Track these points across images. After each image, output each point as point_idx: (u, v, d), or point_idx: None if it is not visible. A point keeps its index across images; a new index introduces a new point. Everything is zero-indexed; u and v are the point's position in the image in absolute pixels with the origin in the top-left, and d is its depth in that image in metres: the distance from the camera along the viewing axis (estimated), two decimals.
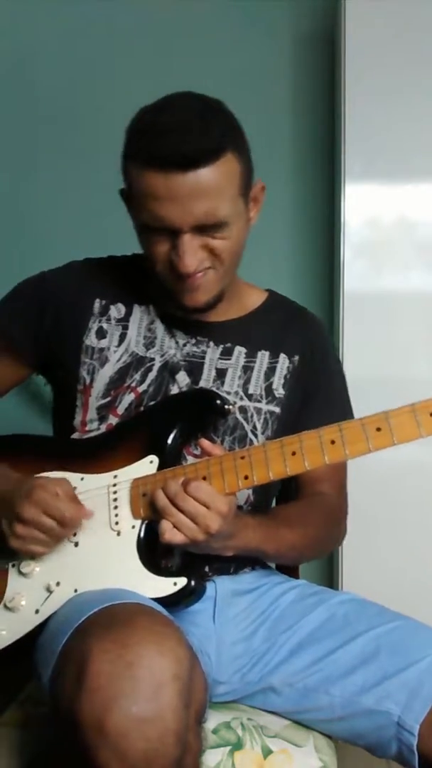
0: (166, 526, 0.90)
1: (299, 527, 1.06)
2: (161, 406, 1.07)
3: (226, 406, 1.02)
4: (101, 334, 1.09)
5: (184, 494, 0.90)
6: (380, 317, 1.83)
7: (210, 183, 0.93)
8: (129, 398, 1.07)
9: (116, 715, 0.68)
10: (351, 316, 1.83)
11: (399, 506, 1.85)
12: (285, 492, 1.22)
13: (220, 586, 1.08)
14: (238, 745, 0.94)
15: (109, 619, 0.78)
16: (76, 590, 0.95)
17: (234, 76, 2.13)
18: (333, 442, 0.91)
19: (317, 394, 1.14)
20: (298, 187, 2.15)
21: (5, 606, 0.98)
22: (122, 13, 2.14)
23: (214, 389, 1.08)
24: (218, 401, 1.02)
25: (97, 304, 1.10)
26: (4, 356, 1.15)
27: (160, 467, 0.99)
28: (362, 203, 1.83)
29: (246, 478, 0.93)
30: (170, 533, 0.89)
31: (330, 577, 2.05)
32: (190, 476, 0.94)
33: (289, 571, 1.24)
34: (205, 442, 0.97)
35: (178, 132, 0.91)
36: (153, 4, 2.13)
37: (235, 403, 1.08)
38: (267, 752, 0.95)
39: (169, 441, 1.01)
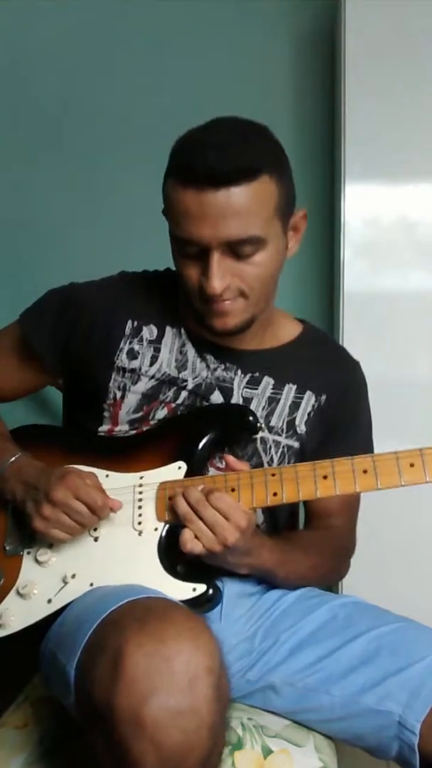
0: (187, 536, 0.91)
1: (312, 556, 1.07)
2: (195, 414, 1.07)
3: (258, 424, 1.04)
4: (132, 355, 1.08)
5: (205, 502, 0.91)
6: (380, 317, 1.83)
7: (243, 202, 0.92)
8: (162, 413, 1.07)
9: (154, 707, 0.69)
10: (351, 316, 1.83)
11: (399, 509, 1.85)
12: (292, 524, 1.21)
13: (227, 586, 1.08)
14: (238, 745, 0.94)
15: (142, 612, 0.78)
16: (91, 584, 0.96)
17: (234, 76, 2.14)
18: (365, 471, 0.92)
19: (342, 437, 1.13)
20: (298, 187, 2.13)
21: (17, 592, 0.98)
22: (122, 13, 2.14)
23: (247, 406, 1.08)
24: (251, 417, 1.03)
25: (129, 325, 1.09)
26: (27, 364, 1.16)
27: (188, 474, 1.00)
28: (362, 203, 1.83)
29: (275, 494, 0.94)
30: (191, 543, 0.91)
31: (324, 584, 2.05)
32: (218, 486, 0.95)
33: None
34: (230, 457, 0.98)
35: (216, 149, 0.91)
36: (153, 4, 2.13)
37: (264, 423, 1.08)
38: (267, 752, 0.95)
39: (199, 449, 1.02)
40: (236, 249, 0.94)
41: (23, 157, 2.19)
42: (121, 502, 0.99)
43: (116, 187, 2.13)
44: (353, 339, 1.82)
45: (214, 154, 0.90)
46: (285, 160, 1.01)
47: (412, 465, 0.90)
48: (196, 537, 0.91)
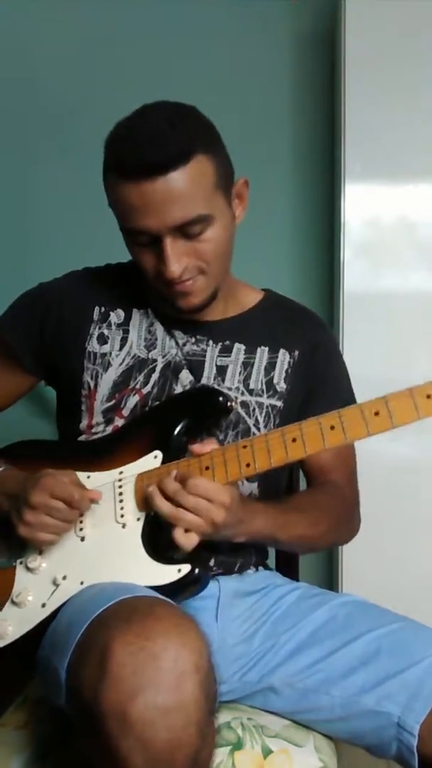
0: (179, 536, 0.91)
1: (311, 513, 1.07)
2: (164, 405, 1.08)
3: (228, 403, 1.04)
4: (102, 339, 1.10)
5: (183, 491, 0.91)
6: (380, 317, 1.83)
7: (181, 186, 0.93)
8: (134, 400, 1.09)
9: (141, 705, 0.69)
10: (351, 316, 1.83)
11: (400, 506, 1.85)
12: (290, 489, 1.23)
13: (223, 585, 1.09)
14: (238, 745, 0.94)
15: (128, 611, 0.78)
16: (82, 583, 0.96)
17: (234, 76, 2.14)
18: (333, 427, 0.92)
19: (322, 389, 1.15)
20: (298, 187, 2.15)
21: (12, 601, 0.99)
22: (122, 13, 2.14)
23: (215, 386, 1.09)
24: (220, 398, 1.04)
25: (96, 311, 1.12)
26: (7, 369, 1.17)
27: (164, 462, 1.01)
28: (362, 203, 1.83)
29: (248, 465, 0.95)
30: (186, 539, 0.91)
31: (330, 578, 2.05)
32: (192, 468, 0.96)
33: (289, 571, 1.24)
34: (195, 447, 0.98)
35: (146, 141, 0.93)
36: (153, 4, 2.13)
37: (236, 398, 1.09)
38: (267, 752, 0.95)
39: (174, 436, 1.03)
40: (185, 230, 0.96)
41: (23, 157, 2.19)
42: (101, 492, 1.00)
43: None
44: (353, 339, 1.82)
45: (144, 145, 0.92)
46: (215, 135, 1.01)
47: (377, 413, 0.90)
48: (186, 530, 0.91)
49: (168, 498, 0.92)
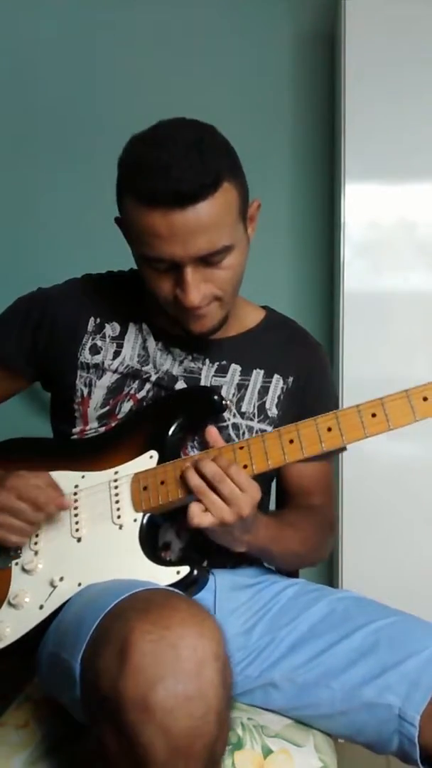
0: (195, 509, 0.92)
1: (301, 531, 1.08)
2: (161, 403, 1.08)
3: (224, 402, 1.05)
4: (95, 350, 1.10)
5: (223, 475, 0.92)
6: (380, 317, 1.83)
7: (210, 216, 0.92)
8: (128, 405, 1.09)
9: (161, 693, 0.69)
10: (351, 316, 1.83)
11: (400, 506, 1.85)
12: (278, 504, 1.23)
13: (219, 578, 1.09)
14: (238, 745, 0.94)
15: (145, 602, 0.79)
16: (79, 584, 0.96)
17: (234, 76, 2.14)
18: (330, 429, 0.93)
19: (311, 409, 1.12)
20: (298, 187, 2.15)
21: (9, 603, 0.99)
22: (123, 13, 2.14)
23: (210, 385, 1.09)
24: (215, 396, 1.05)
25: (91, 322, 1.12)
26: (0, 370, 1.17)
27: (160, 462, 1.01)
28: (362, 203, 1.83)
29: (245, 467, 0.95)
30: (199, 517, 0.92)
31: (330, 576, 2.05)
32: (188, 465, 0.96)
33: (289, 570, 1.24)
34: (213, 430, 0.99)
35: (174, 169, 0.90)
36: (153, 4, 2.13)
37: (231, 400, 1.10)
38: (267, 752, 0.95)
39: (169, 435, 1.03)
40: (208, 259, 0.96)
41: (23, 157, 2.19)
42: (69, 501, 1.01)
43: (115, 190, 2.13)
44: (353, 339, 1.82)
45: (175, 174, 0.89)
46: (236, 157, 1.00)
47: (374, 415, 0.90)
48: (208, 509, 0.92)
49: (203, 479, 0.93)
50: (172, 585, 0.92)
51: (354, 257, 1.83)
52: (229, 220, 0.95)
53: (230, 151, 0.99)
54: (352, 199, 1.83)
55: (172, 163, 0.90)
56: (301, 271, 2.15)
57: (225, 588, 1.09)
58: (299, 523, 1.09)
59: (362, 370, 1.80)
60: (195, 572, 0.93)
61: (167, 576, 0.93)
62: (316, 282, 2.15)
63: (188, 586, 0.92)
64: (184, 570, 0.93)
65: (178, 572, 0.93)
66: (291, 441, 0.94)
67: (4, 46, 2.18)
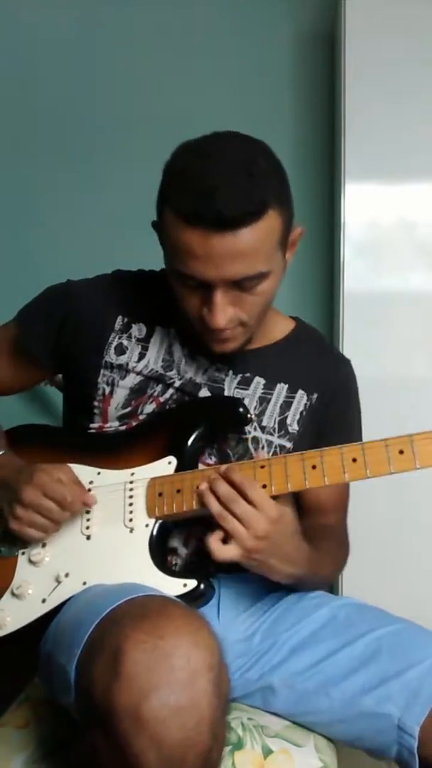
0: (214, 545, 0.90)
1: (332, 555, 1.07)
2: (184, 408, 1.06)
3: (249, 415, 1.03)
4: (120, 350, 1.08)
5: (235, 494, 0.90)
6: (380, 317, 1.83)
7: (249, 243, 0.89)
8: (151, 407, 1.07)
9: (154, 703, 0.68)
10: (351, 316, 1.83)
11: (400, 511, 1.85)
12: None
13: (223, 583, 1.09)
14: (238, 745, 0.94)
15: (140, 610, 0.78)
16: (84, 583, 0.96)
17: (234, 76, 2.14)
18: (354, 460, 0.91)
19: (333, 436, 1.11)
20: (298, 187, 2.13)
21: (12, 593, 0.99)
22: (123, 13, 2.14)
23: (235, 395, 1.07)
24: (241, 408, 1.03)
25: (119, 320, 1.09)
26: (21, 359, 1.16)
27: (178, 469, 1.00)
28: (362, 203, 1.83)
29: (264, 486, 0.93)
30: (219, 551, 0.90)
31: (330, 584, 2.05)
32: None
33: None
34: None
35: (220, 191, 0.86)
36: (153, 4, 2.13)
37: (249, 432, 1.07)
38: (267, 752, 0.95)
39: (189, 443, 1.02)
40: (241, 284, 0.93)
41: (23, 157, 2.19)
42: (106, 504, 0.99)
43: (116, 190, 2.13)
44: (353, 339, 1.82)
45: (220, 197, 0.86)
46: (285, 183, 0.98)
47: (401, 452, 0.88)
48: (226, 539, 0.90)
49: (217, 498, 0.91)
50: (177, 597, 0.90)
51: (354, 257, 1.83)
52: (268, 247, 0.93)
53: (280, 176, 0.97)
54: (352, 199, 1.83)
55: (219, 185, 0.87)
56: (301, 270, 2.15)
57: (229, 594, 1.08)
58: (329, 548, 1.07)
59: (362, 370, 1.78)
60: (201, 586, 0.92)
61: (173, 587, 0.92)
62: (316, 282, 2.15)
63: (194, 599, 0.92)
64: (191, 583, 0.92)
65: (185, 585, 0.92)
66: (314, 467, 0.92)
67: (5, 46, 2.18)
